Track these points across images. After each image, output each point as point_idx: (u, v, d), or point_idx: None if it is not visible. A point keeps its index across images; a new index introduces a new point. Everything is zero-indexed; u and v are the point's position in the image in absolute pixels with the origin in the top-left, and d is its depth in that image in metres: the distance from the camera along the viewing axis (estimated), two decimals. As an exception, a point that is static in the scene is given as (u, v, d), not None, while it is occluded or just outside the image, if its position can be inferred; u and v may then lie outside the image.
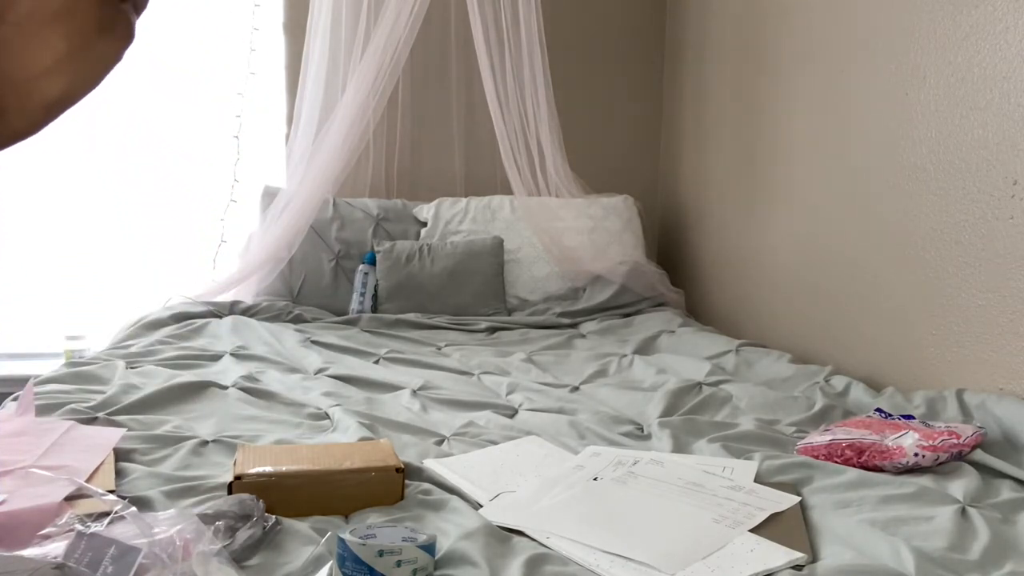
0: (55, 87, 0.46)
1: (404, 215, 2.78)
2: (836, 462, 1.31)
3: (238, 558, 0.90)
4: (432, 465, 1.27)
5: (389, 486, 1.12)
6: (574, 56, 3.03)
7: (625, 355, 2.07)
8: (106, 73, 0.48)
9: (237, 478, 1.07)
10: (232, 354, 1.93)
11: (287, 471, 1.09)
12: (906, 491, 1.17)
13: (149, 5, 0.50)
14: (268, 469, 1.09)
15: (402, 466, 1.15)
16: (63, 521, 0.87)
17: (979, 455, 1.31)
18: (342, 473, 1.11)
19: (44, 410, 1.43)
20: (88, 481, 1.11)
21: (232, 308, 2.36)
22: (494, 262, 2.66)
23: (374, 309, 2.56)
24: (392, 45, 2.61)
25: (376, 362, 1.98)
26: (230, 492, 1.06)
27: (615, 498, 1.16)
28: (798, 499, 1.15)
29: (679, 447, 1.41)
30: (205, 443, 1.35)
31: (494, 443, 1.41)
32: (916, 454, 1.26)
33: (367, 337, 2.25)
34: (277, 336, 2.11)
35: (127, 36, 0.48)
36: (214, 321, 2.23)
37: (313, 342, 2.09)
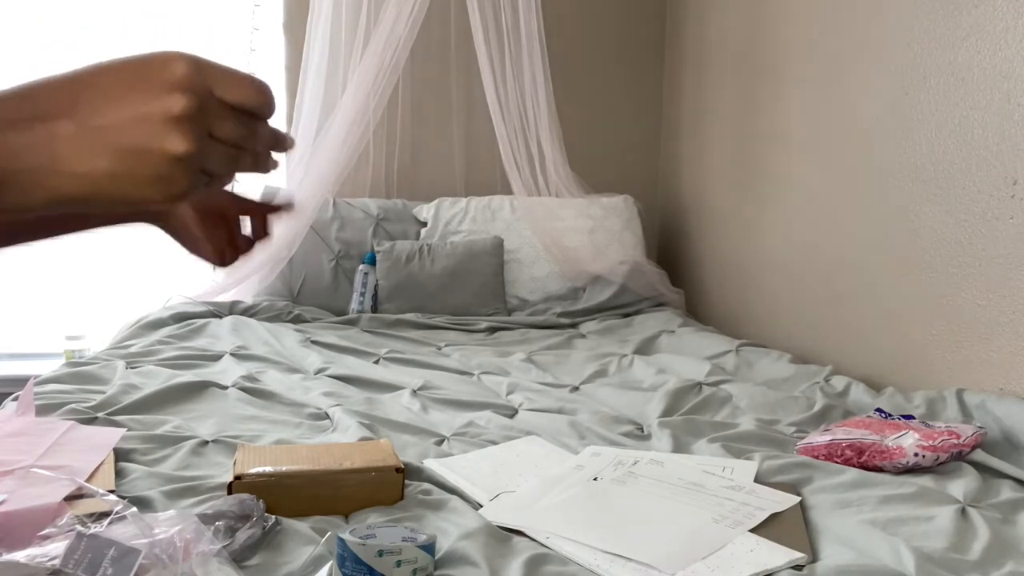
0: (68, 189, 0.45)
1: (404, 215, 2.78)
2: (836, 462, 1.31)
3: (238, 558, 0.90)
4: (432, 465, 1.27)
5: (389, 486, 1.12)
6: (574, 56, 3.03)
7: (625, 355, 2.07)
8: (124, 209, 0.48)
9: (237, 478, 1.07)
10: (232, 354, 1.93)
11: (287, 471, 1.09)
12: (906, 491, 1.17)
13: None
14: (268, 469, 1.09)
15: (402, 466, 1.14)
16: (63, 522, 0.87)
17: (979, 455, 1.31)
18: (342, 473, 1.11)
19: (44, 410, 1.43)
20: (88, 481, 1.11)
21: (232, 308, 2.36)
22: (494, 262, 2.66)
23: (374, 309, 2.56)
24: (392, 45, 2.61)
25: (376, 362, 1.98)
26: (230, 492, 1.06)
27: (615, 498, 1.16)
28: (798, 499, 1.15)
29: (679, 447, 1.41)
30: (205, 443, 1.35)
31: (494, 443, 1.40)
32: (916, 454, 1.26)
33: (367, 337, 2.25)
34: (277, 336, 2.11)
35: (172, 200, 0.47)
36: (214, 321, 2.23)
37: (313, 342, 2.09)
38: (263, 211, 0.97)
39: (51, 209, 0.46)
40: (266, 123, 0.51)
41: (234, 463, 1.12)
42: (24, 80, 0.47)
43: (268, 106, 0.50)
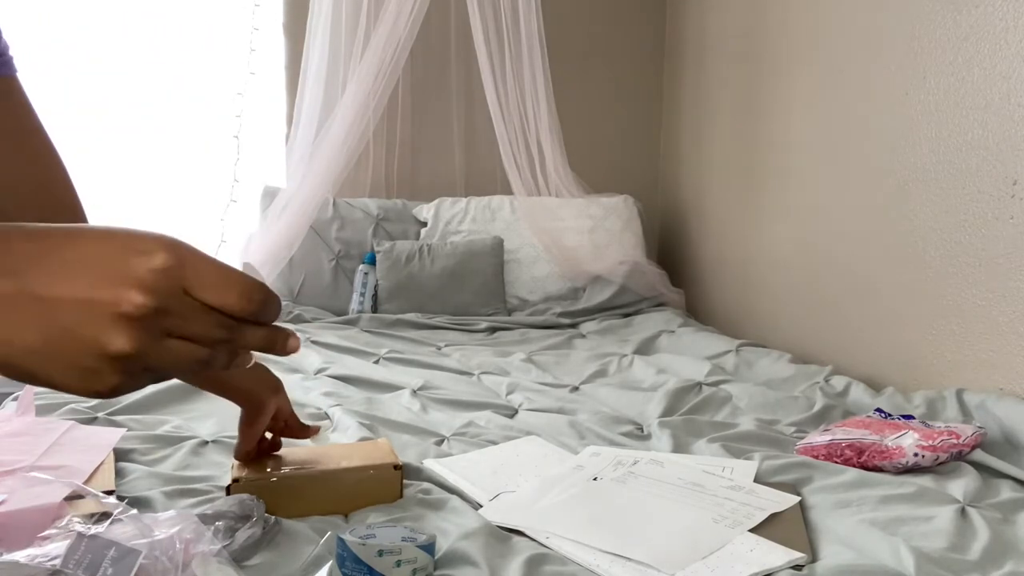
0: None
1: (404, 215, 2.78)
2: (836, 462, 1.31)
3: (238, 558, 0.90)
4: (432, 465, 1.27)
5: (388, 484, 1.12)
6: (574, 56, 3.03)
7: (625, 355, 2.07)
8: (37, 386, 0.44)
9: (235, 480, 1.07)
10: (232, 354, 1.93)
11: (285, 472, 1.09)
12: (906, 491, 1.17)
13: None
14: (266, 472, 1.09)
15: (400, 463, 1.14)
16: (63, 522, 0.87)
17: (979, 455, 1.31)
18: (340, 472, 1.11)
19: (44, 410, 1.43)
20: (88, 481, 1.11)
21: (232, 308, 2.36)
22: (494, 262, 2.66)
23: (374, 309, 2.56)
24: (392, 45, 2.61)
25: (376, 362, 1.98)
26: (228, 494, 1.06)
27: (615, 498, 1.16)
28: (798, 499, 1.15)
29: (679, 447, 1.41)
30: (205, 443, 1.35)
31: (494, 443, 1.40)
32: (916, 454, 1.26)
33: (367, 337, 2.25)
34: (277, 336, 2.11)
35: (93, 395, 0.43)
36: (214, 321, 2.23)
37: (313, 342, 2.09)
38: (299, 436, 1.15)
39: None
40: (256, 326, 0.47)
41: (232, 465, 1.12)
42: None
43: (258, 314, 0.46)
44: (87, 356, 0.42)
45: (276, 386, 1.11)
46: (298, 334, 2.16)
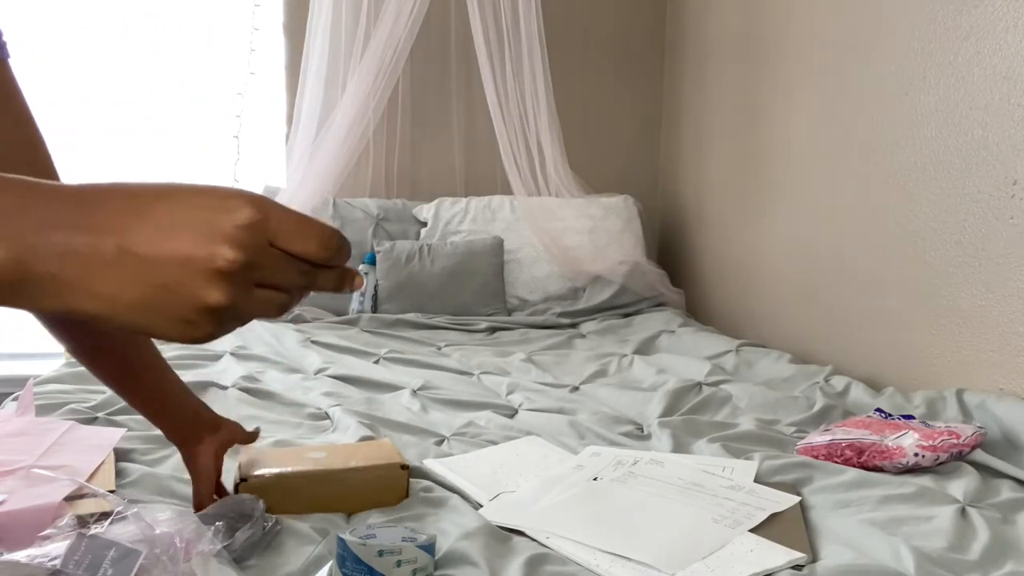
0: (86, 306, 0.44)
1: (404, 215, 2.78)
2: (836, 462, 1.31)
3: (238, 558, 0.90)
4: (432, 465, 1.27)
5: (394, 484, 1.12)
6: (574, 56, 3.03)
7: (625, 355, 2.07)
8: (140, 334, 0.46)
9: (243, 479, 1.07)
10: (232, 354, 1.93)
11: (293, 471, 1.10)
12: (906, 491, 1.17)
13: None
14: (274, 470, 1.09)
15: (407, 464, 1.15)
16: (63, 522, 0.87)
17: (979, 455, 1.31)
18: (349, 472, 1.11)
19: (44, 410, 1.43)
20: (88, 481, 1.11)
21: (232, 308, 2.35)
22: (494, 262, 2.66)
23: (374, 309, 2.56)
24: (392, 45, 2.61)
25: (376, 362, 1.98)
26: (236, 492, 1.06)
27: (615, 498, 1.16)
28: (798, 499, 1.15)
29: (679, 447, 1.41)
30: (205, 443, 1.34)
31: (494, 443, 1.41)
32: (916, 454, 1.26)
33: (367, 337, 2.25)
34: (277, 336, 2.11)
35: (190, 342, 0.46)
36: (214, 321, 2.23)
37: (313, 342, 2.09)
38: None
39: (58, 315, 0.44)
40: (329, 270, 0.49)
41: (239, 466, 1.12)
42: (83, 177, 0.46)
43: (334, 259, 0.48)
44: (185, 309, 0.44)
45: (215, 425, 1.07)
46: (302, 331, 2.17)
